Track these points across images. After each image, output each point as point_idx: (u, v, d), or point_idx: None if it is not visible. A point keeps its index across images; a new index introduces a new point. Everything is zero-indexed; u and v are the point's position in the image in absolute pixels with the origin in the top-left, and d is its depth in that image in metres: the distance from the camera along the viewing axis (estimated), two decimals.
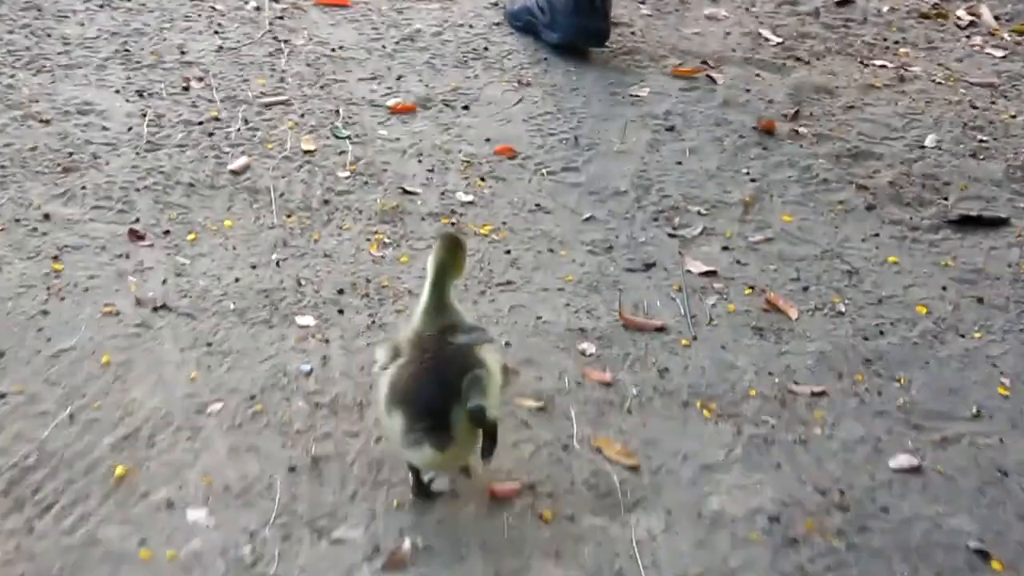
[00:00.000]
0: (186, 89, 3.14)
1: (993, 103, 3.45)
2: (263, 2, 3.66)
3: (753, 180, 3.00)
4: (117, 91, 3.10)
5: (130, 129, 2.94)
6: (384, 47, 3.49)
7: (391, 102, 3.19)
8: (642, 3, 3.93)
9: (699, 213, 2.85)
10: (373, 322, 2.40)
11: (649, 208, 2.85)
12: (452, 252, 1.99)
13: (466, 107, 3.21)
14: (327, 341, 2.34)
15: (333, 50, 3.44)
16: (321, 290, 2.47)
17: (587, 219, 2.80)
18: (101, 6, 3.54)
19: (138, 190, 2.72)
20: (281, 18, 3.59)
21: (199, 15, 3.56)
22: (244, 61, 3.33)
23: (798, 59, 3.65)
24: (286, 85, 3.22)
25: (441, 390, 1.86)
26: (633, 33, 3.71)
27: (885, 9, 4.01)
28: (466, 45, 3.54)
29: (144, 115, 3.00)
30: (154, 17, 3.51)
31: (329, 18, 3.63)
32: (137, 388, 2.17)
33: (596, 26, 3.55)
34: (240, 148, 2.92)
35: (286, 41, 3.46)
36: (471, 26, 3.65)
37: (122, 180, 2.75)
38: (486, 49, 3.53)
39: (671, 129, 3.20)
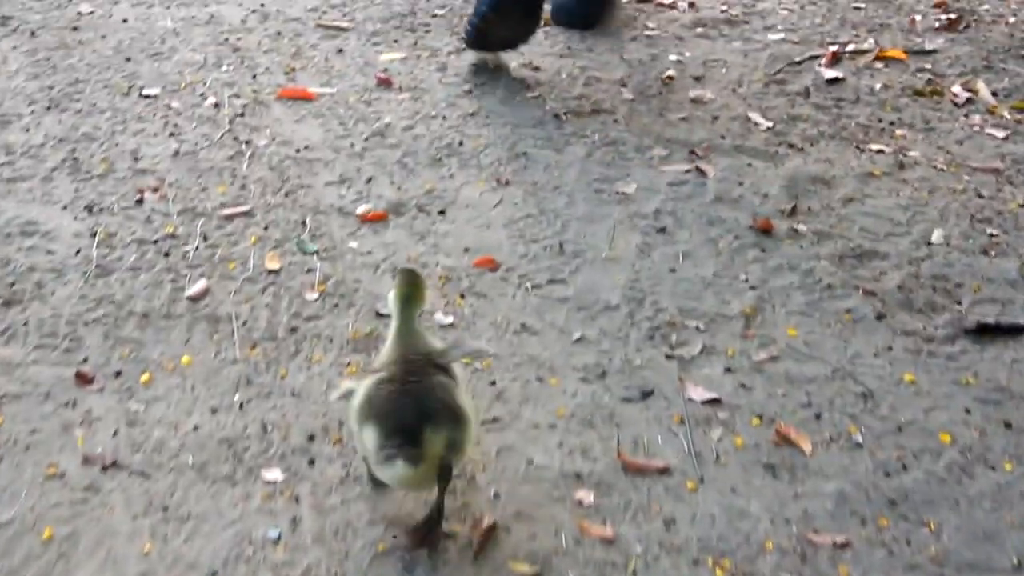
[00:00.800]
0: (140, 202, 2.93)
1: (999, 191, 3.27)
2: (222, 98, 3.44)
3: (753, 288, 2.80)
4: (64, 207, 2.89)
5: (78, 252, 2.71)
6: (352, 145, 3.29)
7: (361, 209, 2.98)
8: (623, 86, 3.73)
9: (697, 329, 2.64)
10: (347, 474, 2.18)
11: (643, 324, 2.65)
12: (413, 285, 2.16)
13: (442, 212, 3.01)
14: (297, 499, 2.12)
15: (298, 150, 3.23)
16: (289, 436, 2.25)
17: (577, 340, 2.59)
18: (48, 108, 3.33)
19: (86, 324, 2.50)
20: (242, 115, 3.38)
21: (154, 115, 3.34)
22: (203, 166, 3.11)
23: (791, 145, 3.46)
24: (248, 193, 3.01)
25: (419, 412, 1.97)
26: (616, 121, 3.52)
27: (878, 87, 3.83)
28: (439, 140, 3.34)
29: (94, 235, 2.78)
30: (105, 119, 3.30)
31: (293, 113, 3.42)
32: (83, 567, 1.93)
33: (571, 5, 4.12)
34: (199, 269, 2.70)
35: (247, 142, 3.25)
36: (444, 118, 3.45)
37: (69, 313, 2.52)
38: (461, 144, 3.33)
39: (662, 231, 3.00)
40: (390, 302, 2.16)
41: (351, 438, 2.25)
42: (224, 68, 3.67)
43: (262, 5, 4.14)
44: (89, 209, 2.89)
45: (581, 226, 3.01)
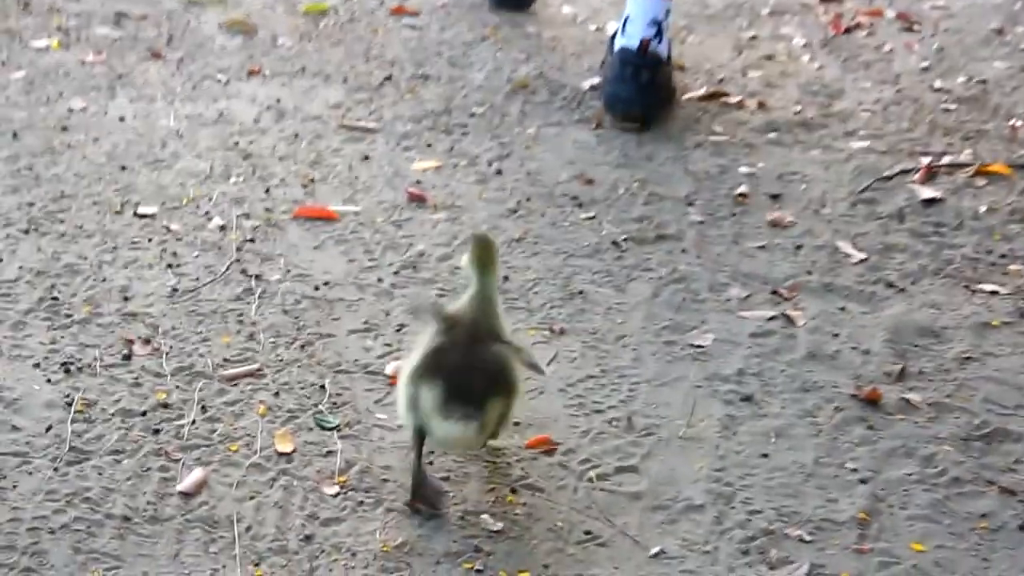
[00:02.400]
0: (127, 357, 2.49)
1: None
2: (230, 219, 3.00)
3: (863, 481, 2.34)
4: (37, 364, 2.45)
5: (49, 429, 2.28)
6: (380, 280, 2.85)
7: (391, 367, 2.53)
8: (690, 205, 3.28)
9: (801, 540, 2.19)
10: None
11: (735, 533, 2.20)
12: (488, 250, 2.27)
13: None
14: None
15: (317, 288, 2.79)
16: None
17: (655, 555, 2.11)
18: (26, 231, 2.89)
19: (52, 532, 2.05)
20: (252, 240, 2.94)
21: (149, 240, 2.91)
22: (204, 309, 2.67)
23: (889, 284, 3.01)
24: (257, 345, 2.57)
25: (485, 379, 2.15)
26: (684, 250, 3.07)
27: (982, 209, 3.39)
28: None
29: (69, 404, 2.33)
30: (92, 245, 2.86)
31: (312, 238, 2.98)
32: None
33: (628, 95, 3.75)
34: (194, 453, 2.25)
35: (258, 276, 2.81)
36: None
37: (32, 516, 2.07)
38: (506, 279, 2.88)
39: (748, 399, 2.54)
40: (464, 267, 2.28)
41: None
42: (233, 179, 3.24)
43: (278, 101, 3.72)
44: (66, 368, 2.44)
45: (651, 392, 2.55)
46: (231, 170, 3.31)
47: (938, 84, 4.26)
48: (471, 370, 2.15)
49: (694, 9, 4.83)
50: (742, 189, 3.44)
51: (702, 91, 4.04)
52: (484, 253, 2.26)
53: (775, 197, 3.43)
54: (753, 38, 4.60)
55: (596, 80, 4.06)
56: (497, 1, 4.68)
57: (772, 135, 3.81)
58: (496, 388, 2.16)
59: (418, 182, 3.35)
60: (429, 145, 3.57)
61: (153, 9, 4.38)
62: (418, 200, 3.25)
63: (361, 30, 4.36)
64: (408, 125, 3.68)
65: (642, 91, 3.74)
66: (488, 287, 2.25)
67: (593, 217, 3.25)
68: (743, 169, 3.58)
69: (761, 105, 3.99)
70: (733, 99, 4.02)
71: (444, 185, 3.34)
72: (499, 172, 3.44)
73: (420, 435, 2.19)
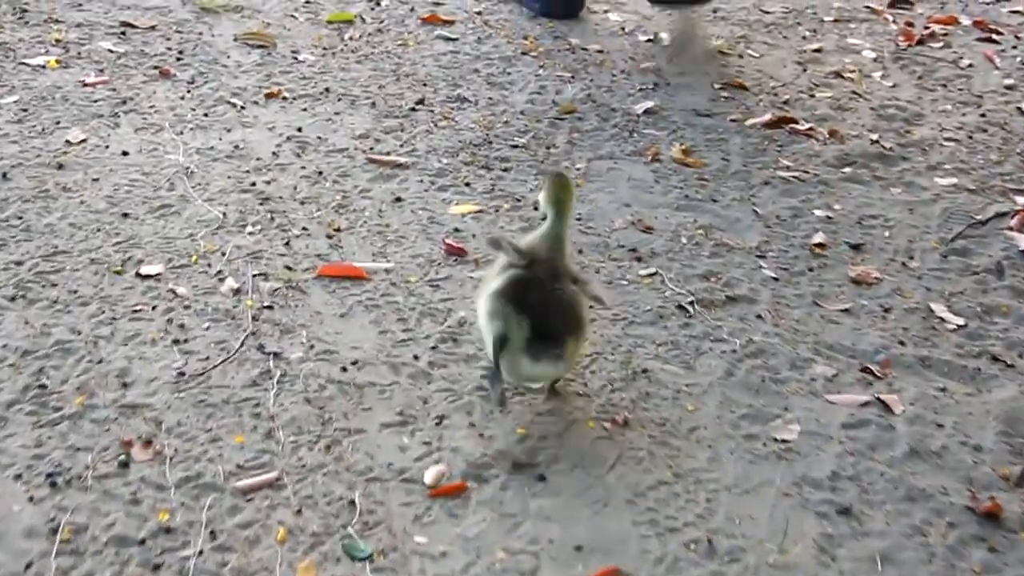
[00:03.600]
0: (125, 465, 2.13)
1: None
2: (245, 279, 2.63)
3: None
4: (19, 475, 2.12)
5: (29, 566, 1.90)
6: (416, 358, 2.49)
7: (431, 475, 2.19)
8: (761, 258, 2.89)
9: None
10: None
11: None
12: (565, 190, 2.39)
13: (541, 477, 2.17)
14: None
15: (344, 368, 2.42)
16: None
17: None
18: (12, 298, 2.53)
19: None
20: (270, 307, 2.58)
21: (153, 308, 2.55)
22: (214, 398, 2.31)
23: (995, 358, 2.64)
24: (275, 446, 2.22)
25: (565, 319, 2.30)
26: (759, 316, 2.69)
27: None
28: None
29: (55, 530, 1.96)
30: (88, 315, 2.50)
31: (338, 303, 2.62)
32: None
33: None
34: None
35: (276, 355, 2.45)
36: None
37: None
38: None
39: (846, 512, 2.19)
40: (542, 204, 2.42)
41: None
42: (249, 228, 2.88)
43: (299, 130, 3.35)
44: (52, 481, 2.09)
45: (733, 502, 2.19)
46: (247, 217, 2.94)
47: None
48: (555, 310, 2.29)
49: (752, 16, 4.44)
50: (819, 238, 3.06)
51: (767, 116, 3.65)
52: (561, 192, 2.39)
53: (856, 247, 3.05)
54: (818, 50, 4.20)
55: (650, 104, 3.66)
56: (544, 9, 4.40)
57: (847, 170, 3.42)
58: (572, 327, 2.31)
59: (456, 230, 2.97)
60: (467, 184, 3.19)
61: (163, 18, 4.01)
62: (457, 254, 2.88)
63: (390, 43, 3.98)
64: (443, 159, 3.30)
65: None
66: (561, 226, 2.38)
67: (655, 274, 2.88)
68: (818, 212, 3.19)
69: (833, 133, 3.60)
70: (801, 126, 3.63)
71: (485, 232, 2.96)
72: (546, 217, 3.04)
73: (501, 344, 2.29)
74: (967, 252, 3.09)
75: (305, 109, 3.51)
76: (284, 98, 3.56)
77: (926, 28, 4.47)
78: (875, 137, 3.60)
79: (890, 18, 4.56)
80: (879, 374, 2.60)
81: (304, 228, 2.95)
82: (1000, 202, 3.31)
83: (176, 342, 2.51)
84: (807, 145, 3.55)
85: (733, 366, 2.59)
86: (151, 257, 2.78)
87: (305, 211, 3.02)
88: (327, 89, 3.63)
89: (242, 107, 3.49)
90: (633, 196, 3.22)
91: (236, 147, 3.28)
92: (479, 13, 4.26)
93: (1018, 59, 4.24)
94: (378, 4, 4.23)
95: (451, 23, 4.16)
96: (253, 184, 3.11)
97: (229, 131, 3.36)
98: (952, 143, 3.62)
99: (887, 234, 3.14)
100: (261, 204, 3.03)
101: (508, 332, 2.28)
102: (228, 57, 3.78)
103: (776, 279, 2.92)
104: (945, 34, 4.43)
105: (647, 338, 2.66)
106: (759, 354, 2.63)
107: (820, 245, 3.06)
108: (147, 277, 2.71)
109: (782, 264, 2.97)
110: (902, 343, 2.72)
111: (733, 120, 3.66)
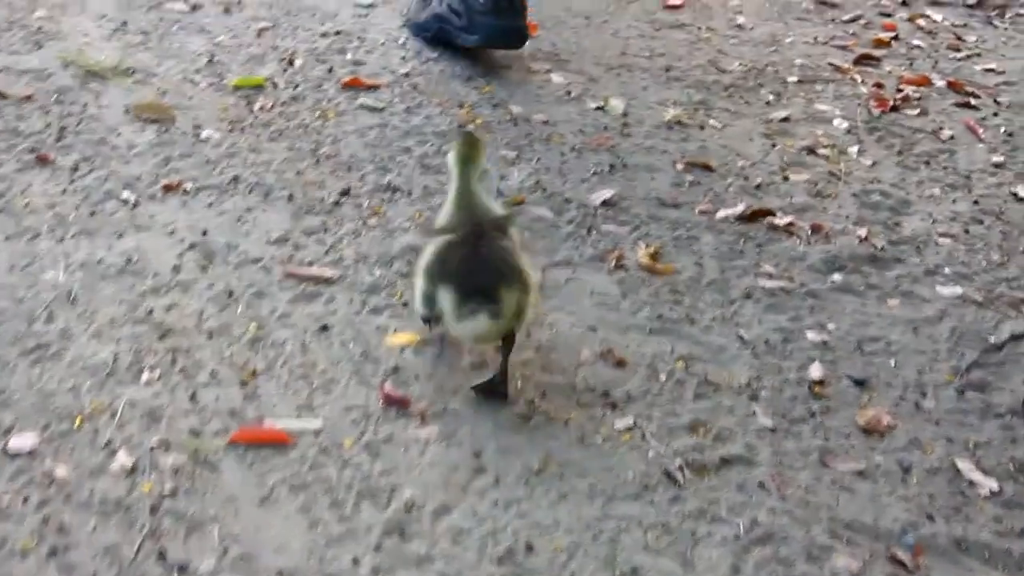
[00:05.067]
0: None
1: None
2: (141, 453, 2.14)
3: None
4: None
5: None
6: (356, 562, 2.02)
7: None
8: (753, 400, 2.47)
9: None
10: None
11: None
12: (471, 146, 2.53)
13: None
14: None
15: None
16: None
17: None
18: None
19: None
20: (173, 494, 2.10)
21: (24, 500, 2.07)
22: None
23: None
24: None
25: (495, 272, 2.35)
26: (762, 485, 2.31)
27: None
28: (494, 541, 2.24)
29: None
30: None
31: (256, 482, 2.17)
32: None
33: (515, 25, 3.85)
34: None
35: (182, 569, 1.96)
36: (497, 481, 2.33)
37: None
38: (530, 549, 2.08)
39: None
40: (449, 164, 2.52)
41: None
42: (146, 375, 2.40)
43: (204, 234, 2.86)
44: None
45: None
46: (143, 359, 2.44)
47: (1021, 191, 3.45)
48: (480, 268, 2.34)
49: (708, 76, 4.00)
50: (816, 372, 2.65)
51: (740, 208, 3.21)
52: (469, 149, 2.51)
53: (860, 383, 2.64)
54: (786, 119, 3.79)
55: (608, 193, 3.21)
56: (484, 38, 3.93)
57: (837, 277, 3.01)
58: (507, 277, 2.34)
59: (395, 370, 2.50)
60: (405, 304, 2.70)
61: (40, 84, 3.47)
62: (398, 404, 2.40)
63: (307, 114, 3.48)
64: (376, 270, 2.82)
65: (522, 16, 3.89)
66: (469, 179, 2.49)
67: (632, 428, 2.42)
68: (811, 335, 2.78)
69: (816, 229, 3.19)
70: (780, 219, 3.20)
71: (429, 375, 2.50)
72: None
73: (439, 322, 2.39)
74: (985, 386, 2.68)
75: (210, 205, 3.00)
76: (185, 190, 3.04)
77: (899, 91, 4.08)
78: (863, 233, 3.19)
79: (858, 78, 4.16)
80: (911, 566, 2.17)
81: (213, 373, 2.45)
82: (1012, 318, 2.90)
83: (53, 554, 1.99)
84: (789, 244, 3.12)
85: (739, 558, 2.16)
86: (23, 422, 2.26)
87: (214, 348, 2.51)
88: (236, 178, 3.12)
89: (135, 203, 2.97)
90: (599, 316, 2.76)
91: (129, 260, 2.77)
92: (407, 75, 3.78)
93: (1002, 129, 3.86)
94: (291, 64, 3.72)
95: (376, 87, 3.67)
96: (150, 312, 2.60)
97: (120, 237, 2.85)
98: (947, 239, 3.21)
99: (892, 363, 2.73)
100: (160, 339, 2.52)
101: (446, 320, 2.39)
102: (118, 135, 3.25)
103: (773, 429, 2.48)
104: (919, 98, 4.04)
105: (632, 519, 2.22)
106: (767, 540, 2.20)
107: (819, 382, 2.62)
108: (15, 456, 2.17)
109: (778, 408, 2.54)
110: (931, 517, 2.30)
111: (703, 212, 3.22)
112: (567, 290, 2.87)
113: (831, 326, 2.85)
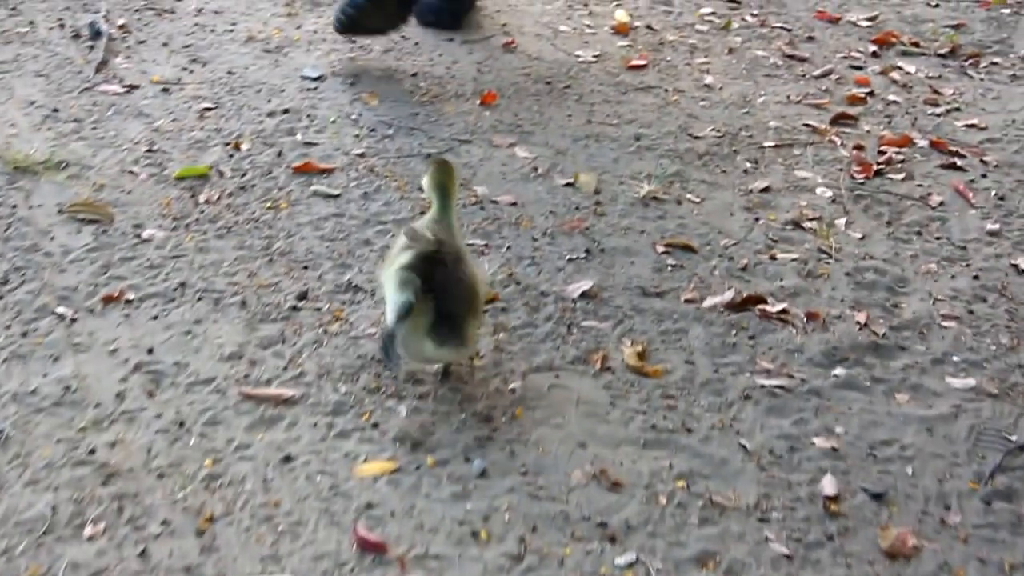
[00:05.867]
0: None
1: None
2: None
3: None
4: None
5: None
6: None
7: None
8: (764, 521, 2.23)
9: None
10: None
11: None
12: (447, 174, 2.63)
13: None
14: None
15: None
16: None
17: None
18: None
19: None
20: None
21: None
22: None
23: None
24: None
25: (466, 303, 2.49)
26: None
27: None
28: None
29: None
30: None
31: None
32: None
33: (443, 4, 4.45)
34: None
35: None
36: None
37: None
38: None
39: None
40: (425, 189, 2.66)
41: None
42: (89, 530, 2.21)
43: (150, 352, 2.61)
44: None
45: None
46: (85, 510, 2.19)
47: (1022, 262, 3.25)
48: (457, 295, 2.46)
49: (681, 144, 3.80)
50: (829, 485, 2.44)
51: (728, 295, 2.99)
52: (444, 177, 2.59)
53: (878, 497, 2.41)
54: (766, 190, 3.59)
55: (586, 284, 2.98)
56: (431, 21, 4.61)
57: (839, 372, 2.80)
58: (473, 311, 2.49)
59: (369, 506, 2.25)
60: (375, 425, 2.48)
61: None
62: (374, 550, 2.15)
63: (256, 206, 3.23)
64: (340, 386, 2.58)
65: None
66: (448, 210, 2.58)
67: (636, 563, 2.18)
68: (818, 440, 2.57)
69: (812, 317, 2.98)
70: (772, 306, 2.98)
71: (407, 511, 2.27)
72: (484, 474, 2.34)
73: (407, 310, 2.43)
74: (1012, 495, 2.49)
75: (155, 317, 2.75)
76: (127, 300, 2.79)
77: (880, 152, 3.88)
78: (861, 319, 2.98)
79: (837, 140, 3.97)
80: None
81: (165, 522, 2.20)
82: None
83: None
84: (784, 335, 2.90)
85: None
86: None
87: (165, 490, 2.26)
88: (183, 284, 2.87)
89: (72, 319, 2.71)
90: (588, 430, 2.53)
91: (67, 389, 2.51)
92: (362, 155, 3.54)
93: (993, 192, 3.68)
94: (237, 149, 3.48)
95: (329, 172, 3.43)
96: (92, 451, 2.34)
97: (56, 360, 2.58)
98: (952, 322, 3.01)
99: (910, 470, 2.51)
100: (104, 484, 2.27)
101: (415, 303, 2.41)
102: (51, 239, 2.99)
103: (789, 557, 2.27)
104: (903, 160, 3.86)
105: None
106: None
107: (834, 498, 2.39)
108: None
109: (793, 531, 2.32)
110: None
111: (688, 301, 3.00)
112: (551, 399, 2.64)
113: (839, 429, 2.63)
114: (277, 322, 2.82)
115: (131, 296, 2.85)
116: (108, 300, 2.82)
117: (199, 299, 2.87)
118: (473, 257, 2.67)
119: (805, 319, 3.00)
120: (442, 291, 2.44)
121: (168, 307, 2.83)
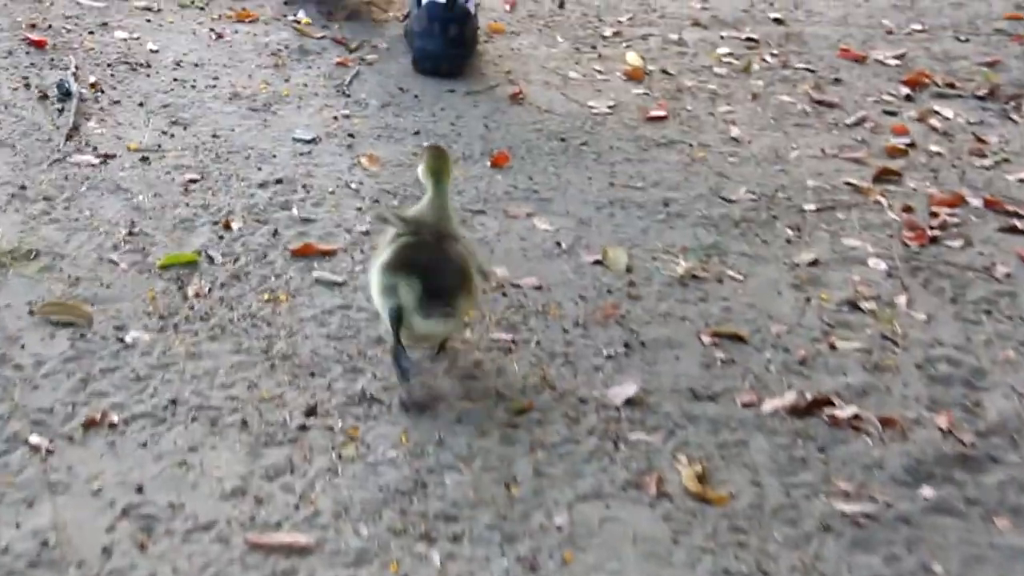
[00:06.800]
0: None
1: None
2: None
3: None
4: None
5: None
6: None
7: None
8: None
9: None
10: None
11: None
12: (441, 160, 2.67)
13: None
14: None
15: None
16: None
17: None
18: None
19: None
20: None
21: None
22: None
23: None
24: None
25: (457, 276, 2.53)
26: None
27: None
28: None
29: None
30: None
31: None
32: None
33: (443, 51, 4.19)
34: None
35: None
36: None
37: None
38: None
39: None
40: (421, 176, 2.67)
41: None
42: None
43: (139, 491, 2.28)
44: None
45: None
46: None
47: None
48: (443, 268, 2.49)
49: (714, 211, 3.46)
50: None
51: (791, 397, 2.65)
52: (438, 163, 2.65)
53: None
54: (814, 263, 3.24)
55: (631, 389, 2.63)
56: (415, 62, 4.38)
57: (928, 491, 2.48)
58: (462, 284, 2.51)
59: None
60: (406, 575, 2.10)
61: None
62: None
63: (253, 299, 2.88)
64: (362, 528, 2.25)
65: (451, 45, 4.18)
66: (442, 195, 2.63)
67: None
68: None
69: (887, 424, 2.64)
70: (841, 410, 2.63)
71: None
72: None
73: (397, 316, 2.52)
74: None
75: (144, 444, 2.40)
76: (111, 425, 2.43)
77: (932, 214, 3.54)
78: (942, 423, 2.67)
79: (883, 201, 3.63)
80: None
81: None
82: None
83: None
84: (859, 447, 2.58)
85: None
86: None
87: None
88: (173, 401, 2.52)
89: (48, 451, 2.35)
90: (648, 574, 2.16)
91: (44, 544, 2.15)
92: (366, 233, 3.18)
93: None
94: (227, 228, 3.12)
95: (331, 254, 3.08)
96: None
97: (31, 506, 2.24)
98: None
99: None
100: None
101: (401, 299, 2.48)
102: (22, 348, 2.63)
103: None
104: (957, 223, 3.52)
105: None
106: None
107: None
108: None
109: None
110: None
111: (746, 405, 2.68)
112: (604, 536, 2.31)
113: (938, 568, 2.31)
114: (284, 445, 2.47)
115: (115, 418, 2.50)
116: (90, 424, 2.48)
117: (193, 419, 2.51)
118: (470, 238, 2.77)
119: (880, 426, 2.66)
120: (425, 269, 2.48)
121: (158, 430, 2.48)
